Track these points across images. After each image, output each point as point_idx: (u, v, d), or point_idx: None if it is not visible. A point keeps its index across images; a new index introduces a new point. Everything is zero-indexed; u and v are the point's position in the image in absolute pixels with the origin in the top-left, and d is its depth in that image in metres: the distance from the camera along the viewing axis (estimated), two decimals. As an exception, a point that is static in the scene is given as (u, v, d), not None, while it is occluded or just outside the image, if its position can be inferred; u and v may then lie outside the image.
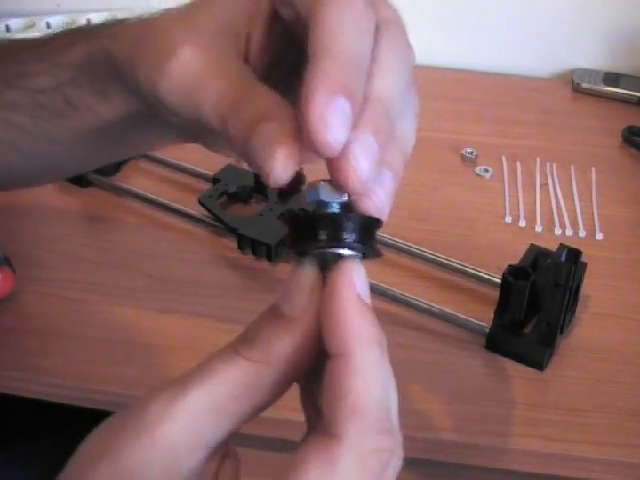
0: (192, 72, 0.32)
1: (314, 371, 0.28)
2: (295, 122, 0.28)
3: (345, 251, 0.28)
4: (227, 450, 0.28)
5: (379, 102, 0.29)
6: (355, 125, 0.27)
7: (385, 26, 0.30)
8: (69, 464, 0.27)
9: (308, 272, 0.28)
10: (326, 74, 0.27)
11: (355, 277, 0.27)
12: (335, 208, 0.28)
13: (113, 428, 0.27)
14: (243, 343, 0.28)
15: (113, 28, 0.38)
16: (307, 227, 0.28)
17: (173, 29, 0.34)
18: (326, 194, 0.28)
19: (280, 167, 0.28)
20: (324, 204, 0.28)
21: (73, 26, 0.42)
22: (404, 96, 0.31)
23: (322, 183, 0.28)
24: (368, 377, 0.26)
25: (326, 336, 0.27)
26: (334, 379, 0.26)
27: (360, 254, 0.28)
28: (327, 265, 0.28)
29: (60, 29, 0.47)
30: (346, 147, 0.27)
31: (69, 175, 0.48)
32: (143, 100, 0.36)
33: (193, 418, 0.26)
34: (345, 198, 0.28)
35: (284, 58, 0.36)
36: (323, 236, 0.28)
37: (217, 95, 0.31)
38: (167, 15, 0.36)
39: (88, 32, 0.40)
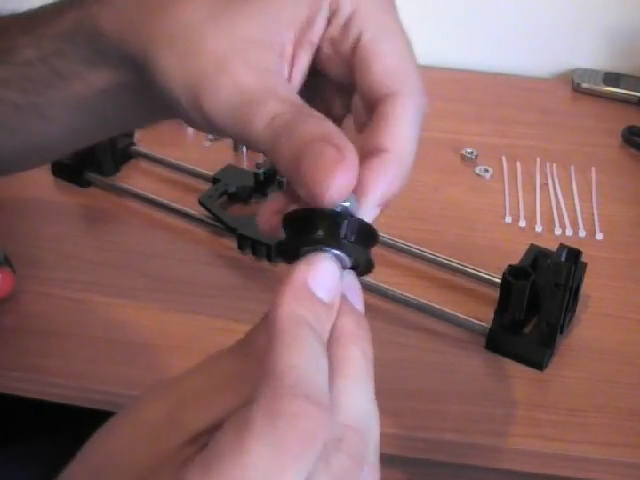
0: (243, 95, 0.32)
1: None
2: (351, 150, 0.30)
3: (330, 250, 0.29)
4: (207, 441, 0.28)
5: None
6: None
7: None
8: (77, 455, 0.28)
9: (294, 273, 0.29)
10: (384, 176, 0.32)
11: (311, 272, 0.28)
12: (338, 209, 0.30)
13: (113, 418, 0.29)
14: (237, 343, 0.29)
15: None
16: (298, 225, 0.29)
17: (216, 34, 0.33)
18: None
19: (335, 190, 0.29)
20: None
21: None
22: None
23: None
24: (286, 347, 0.26)
25: (266, 319, 0.28)
26: (262, 359, 0.27)
27: (346, 256, 0.29)
28: None
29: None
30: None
31: (59, 155, 0.47)
32: (140, 76, 0.35)
33: (178, 403, 0.28)
34: (347, 204, 0.30)
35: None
36: (313, 235, 0.29)
37: (271, 116, 0.31)
38: (192, 4, 0.34)
39: (79, 0, 0.38)
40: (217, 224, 0.71)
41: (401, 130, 0.34)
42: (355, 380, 0.28)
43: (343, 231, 0.29)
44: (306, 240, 0.29)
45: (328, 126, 0.30)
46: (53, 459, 0.28)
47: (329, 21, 0.34)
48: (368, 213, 0.31)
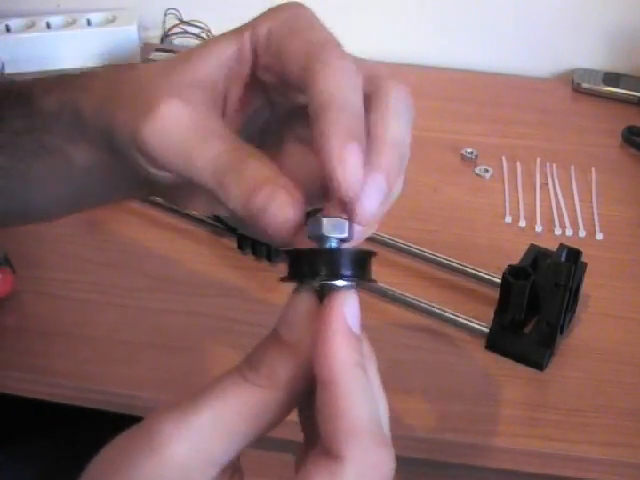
0: (180, 127, 0.34)
1: (311, 389, 0.30)
2: (292, 187, 0.32)
3: (340, 282, 0.30)
4: (236, 467, 0.30)
5: (391, 145, 0.32)
6: (371, 167, 0.31)
7: (383, 79, 0.34)
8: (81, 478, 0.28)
9: (305, 300, 0.30)
10: (335, 124, 0.30)
11: (346, 309, 0.29)
12: (334, 243, 0.31)
13: (124, 447, 0.28)
14: (250, 368, 0.29)
15: (84, 79, 0.40)
16: (307, 261, 0.30)
17: (154, 82, 0.35)
18: (328, 229, 0.30)
19: (292, 227, 0.31)
20: (325, 238, 0.31)
21: (74, 26, 0.43)
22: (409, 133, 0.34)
23: (325, 219, 0.30)
24: (355, 399, 0.28)
25: (316, 364, 0.28)
26: (326, 406, 0.28)
27: (354, 284, 0.30)
28: (325, 295, 0.30)
29: (60, 29, 0.47)
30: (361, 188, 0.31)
31: (40, 221, 0.49)
32: (110, 151, 0.38)
33: (204, 438, 0.28)
34: (345, 235, 0.31)
35: (257, 116, 0.39)
36: (321, 269, 0.30)
37: (214, 154, 0.33)
38: (145, 68, 0.37)
39: (62, 81, 0.41)
40: (217, 224, 0.71)
41: (323, 76, 0.32)
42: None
43: (343, 267, 0.30)
44: (313, 276, 0.30)
45: (270, 168, 0.32)
46: (53, 459, 0.28)
47: (256, 53, 0.36)
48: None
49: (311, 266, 0.30)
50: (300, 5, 0.36)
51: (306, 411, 0.31)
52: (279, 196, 0.31)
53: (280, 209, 0.31)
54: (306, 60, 0.33)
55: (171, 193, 0.40)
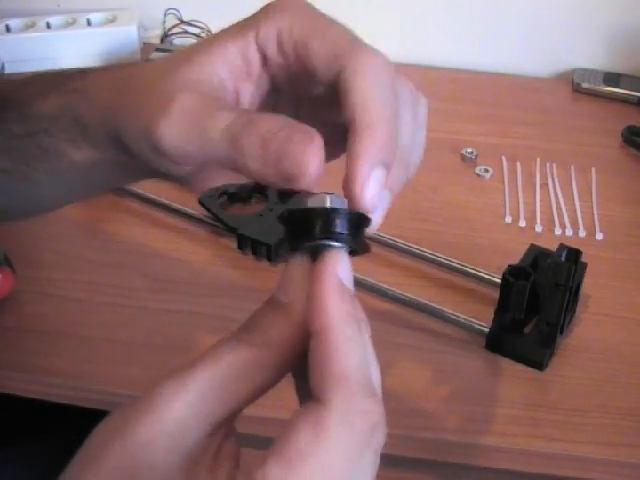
0: (193, 117, 0.34)
1: (305, 359, 0.30)
2: (315, 132, 0.31)
3: (333, 243, 0.30)
4: (230, 429, 0.30)
5: (400, 156, 0.34)
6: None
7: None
8: (82, 448, 0.28)
9: (299, 262, 0.31)
10: (368, 148, 0.32)
11: (338, 265, 0.30)
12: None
13: (124, 413, 0.29)
14: (243, 330, 0.30)
15: (79, 81, 0.40)
16: (300, 222, 0.31)
17: (161, 80, 0.35)
18: (329, 202, 0.31)
19: (313, 169, 0.31)
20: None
21: (74, 25, 0.43)
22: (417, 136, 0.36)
23: (328, 196, 0.31)
24: (347, 348, 0.28)
25: (310, 316, 0.29)
26: (317, 354, 0.28)
27: (347, 246, 0.31)
28: (318, 255, 0.31)
29: (60, 29, 0.48)
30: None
31: (47, 212, 0.49)
32: (120, 150, 0.38)
33: (199, 395, 0.28)
34: (345, 207, 0.32)
35: (264, 102, 0.39)
36: (315, 230, 0.30)
37: (226, 122, 0.33)
38: (148, 68, 0.38)
39: (57, 82, 0.41)
40: (217, 224, 0.71)
41: (362, 94, 0.33)
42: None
43: (339, 224, 0.31)
44: (307, 238, 0.31)
45: (285, 118, 0.32)
46: (53, 459, 0.29)
47: (264, 53, 0.36)
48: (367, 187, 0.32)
49: (304, 227, 0.31)
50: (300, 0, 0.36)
51: (301, 381, 0.31)
52: (295, 136, 0.31)
53: (298, 148, 0.31)
54: (337, 63, 0.33)
55: (182, 178, 0.41)
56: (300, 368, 0.31)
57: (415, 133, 0.37)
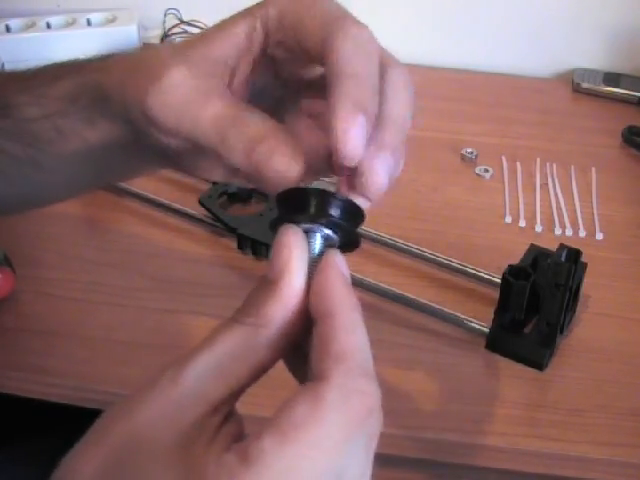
0: (185, 90, 0.36)
1: (300, 348, 0.32)
2: (292, 140, 0.34)
3: (325, 225, 0.32)
4: (231, 411, 0.30)
5: (395, 122, 0.34)
6: (378, 145, 0.33)
7: (385, 59, 0.36)
8: (90, 428, 0.29)
9: (287, 238, 0.31)
10: (347, 95, 0.32)
11: (338, 257, 0.32)
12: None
13: (127, 400, 0.30)
14: (238, 311, 0.32)
15: (103, 62, 0.42)
16: (295, 200, 0.32)
17: (163, 56, 0.38)
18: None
19: (295, 178, 0.33)
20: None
21: (74, 25, 0.44)
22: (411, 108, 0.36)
23: (327, 181, 0.33)
24: (351, 331, 0.29)
25: (315, 304, 0.30)
26: (322, 337, 0.29)
27: (339, 232, 0.32)
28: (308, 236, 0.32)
29: (60, 29, 0.48)
30: (370, 163, 0.33)
31: (57, 202, 0.50)
32: (129, 125, 0.40)
33: (197, 377, 0.29)
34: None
35: (266, 92, 0.41)
36: (310, 209, 0.32)
37: (215, 112, 0.35)
38: (159, 47, 0.40)
39: (75, 66, 0.43)
40: (217, 224, 0.71)
41: (339, 45, 0.34)
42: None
43: (332, 208, 0.32)
44: (302, 216, 0.32)
45: (270, 124, 0.35)
46: (52, 459, 0.29)
47: (267, 31, 0.38)
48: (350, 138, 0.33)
49: (300, 203, 0.32)
50: None
51: (297, 369, 0.33)
52: (280, 148, 0.34)
53: (282, 160, 0.34)
54: (324, 31, 0.35)
55: (183, 162, 0.42)
56: (296, 359, 0.32)
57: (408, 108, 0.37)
